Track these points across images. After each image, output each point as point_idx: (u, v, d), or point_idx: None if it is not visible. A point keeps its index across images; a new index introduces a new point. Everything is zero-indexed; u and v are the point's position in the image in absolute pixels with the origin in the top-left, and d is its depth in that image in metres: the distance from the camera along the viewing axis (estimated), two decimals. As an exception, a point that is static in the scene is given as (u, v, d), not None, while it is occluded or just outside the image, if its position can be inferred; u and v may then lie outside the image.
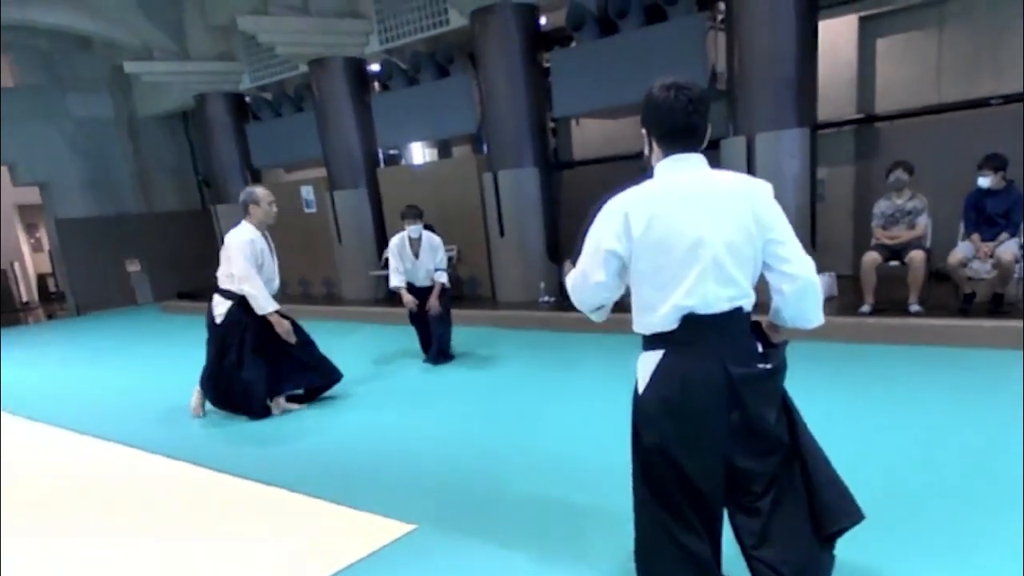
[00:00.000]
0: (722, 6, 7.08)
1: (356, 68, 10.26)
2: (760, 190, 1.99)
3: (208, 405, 5.48)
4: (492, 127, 8.67)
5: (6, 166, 13.14)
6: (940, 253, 6.02)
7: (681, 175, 1.94)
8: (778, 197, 6.40)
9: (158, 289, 14.55)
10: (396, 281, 6.45)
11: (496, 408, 5.07)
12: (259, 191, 5.15)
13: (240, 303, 5.06)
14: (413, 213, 6.36)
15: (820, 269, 7.07)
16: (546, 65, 8.71)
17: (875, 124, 7.87)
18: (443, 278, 6.51)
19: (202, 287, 14.22)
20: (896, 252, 5.99)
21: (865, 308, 6.05)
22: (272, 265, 5.21)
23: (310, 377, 5.49)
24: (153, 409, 5.91)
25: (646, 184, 1.98)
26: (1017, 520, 2.74)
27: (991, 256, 5.56)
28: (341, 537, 3.20)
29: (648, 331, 1.99)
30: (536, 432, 4.42)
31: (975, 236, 5.73)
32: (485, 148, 9.13)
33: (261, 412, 5.22)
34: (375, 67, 10.61)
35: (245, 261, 4.91)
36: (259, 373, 5.14)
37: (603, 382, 5.27)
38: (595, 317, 2.22)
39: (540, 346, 6.93)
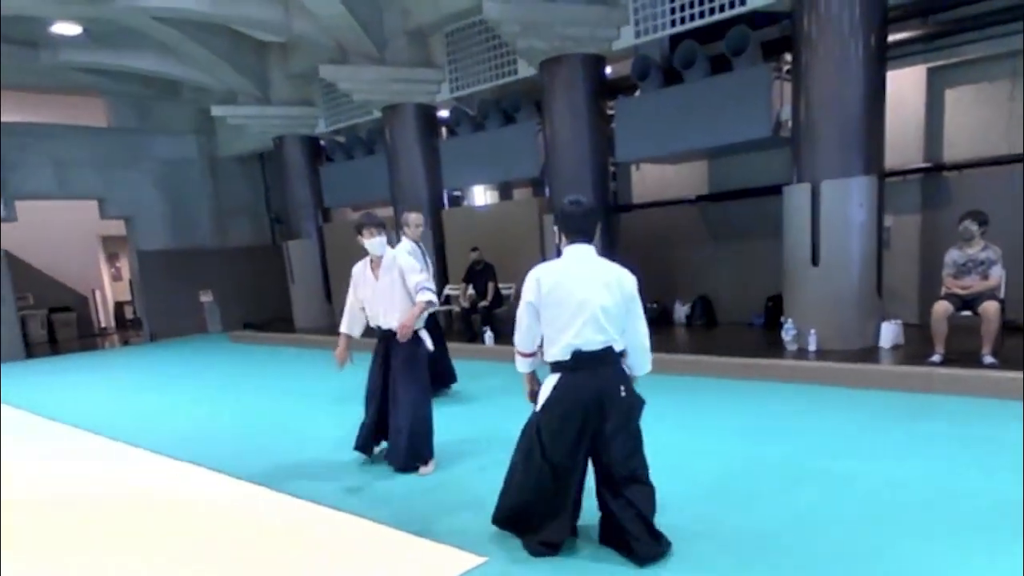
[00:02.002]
0: (788, 56, 7.23)
1: (426, 114, 10.76)
2: (627, 277, 3.07)
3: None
4: (555, 171, 8.93)
5: (96, 200, 14.10)
6: (1014, 305, 5.90)
7: (578, 258, 3.05)
8: (843, 244, 6.48)
9: (227, 319, 15.20)
10: (343, 324, 4.96)
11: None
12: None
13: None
14: (372, 222, 4.60)
15: (885, 317, 7.02)
16: (610, 112, 8.98)
17: (943, 173, 7.81)
18: (428, 296, 4.54)
19: (267, 319, 14.82)
20: (968, 302, 5.89)
21: (935, 358, 5.94)
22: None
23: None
24: (226, 433, 6.19)
25: (556, 261, 3.11)
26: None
27: (1070, 308, 5.44)
28: (411, 566, 3.28)
29: (551, 360, 3.07)
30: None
31: (1052, 288, 5.61)
32: (547, 191, 9.39)
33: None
34: (444, 113, 11.11)
35: None
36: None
37: (653, 421, 5.31)
38: (524, 366, 3.29)
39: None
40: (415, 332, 4.63)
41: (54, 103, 14.40)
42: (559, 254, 3.13)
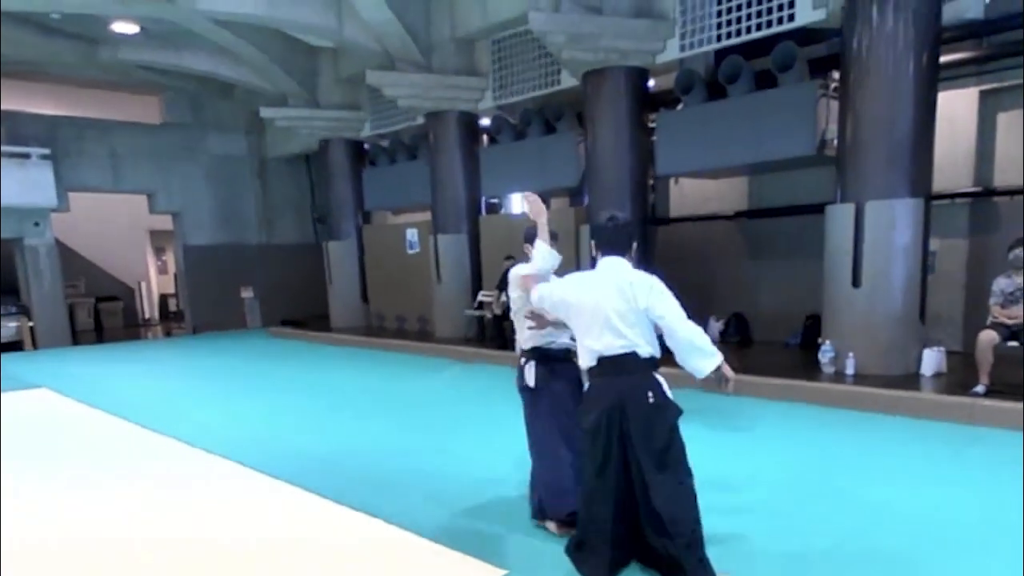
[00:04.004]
0: (836, 74, 7.13)
1: (469, 121, 10.89)
2: (642, 281, 2.99)
3: None
4: (594, 182, 8.94)
5: (147, 194, 14.56)
6: (1065, 336, 5.71)
7: (603, 267, 3.12)
8: (887, 266, 6.31)
9: (266, 315, 15.52)
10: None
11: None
12: None
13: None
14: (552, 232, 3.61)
15: (928, 343, 6.83)
16: (651, 125, 8.96)
17: (993, 198, 7.61)
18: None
19: (306, 316, 15.09)
20: (1015, 333, 5.73)
21: (979, 388, 5.77)
22: None
23: None
24: (257, 429, 6.33)
25: (587, 272, 3.21)
26: None
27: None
28: (431, 574, 3.30)
29: (584, 367, 3.15)
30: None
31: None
32: (585, 201, 9.40)
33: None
34: (486, 121, 11.22)
35: None
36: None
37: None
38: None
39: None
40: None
41: (111, 99, 14.94)
42: (593, 266, 3.22)
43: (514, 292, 3.74)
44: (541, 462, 3.70)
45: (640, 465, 2.96)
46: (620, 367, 2.98)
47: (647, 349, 2.98)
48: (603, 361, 3.01)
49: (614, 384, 2.99)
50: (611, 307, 2.95)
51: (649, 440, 2.95)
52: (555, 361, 3.68)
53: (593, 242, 3.26)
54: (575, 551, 3.20)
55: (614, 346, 2.97)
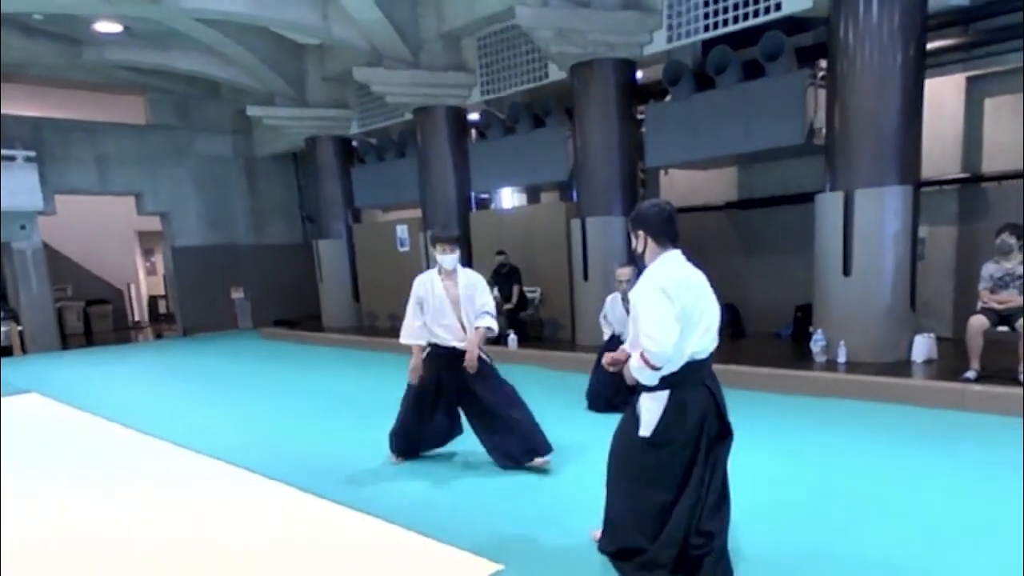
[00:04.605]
0: (823, 63, 7.14)
1: (457, 117, 10.85)
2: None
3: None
4: (583, 176, 8.93)
5: (133, 196, 14.44)
6: (1054, 320, 5.74)
7: (680, 265, 2.86)
8: (877, 254, 6.35)
9: (257, 316, 15.44)
10: (409, 337, 4.66)
11: (578, 451, 5.10)
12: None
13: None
14: (446, 237, 4.59)
15: (918, 330, 6.87)
16: (640, 116, 8.95)
17: (981, 184, 7.64)
18: (488, 321, 4.63)
19: (298, 316, 15.02)
20: (1005, 318, 5.76)
21: (970, 374, 5.80)
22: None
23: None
24: (252, 430, 6.30)
25: (669, 271, 2.82)
26: None
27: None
28: (427, 571, 3.28)
29: (663, 372, 2.76)
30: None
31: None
32: (575, 195, 9.39)
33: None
34: (475, 116, 11.18)
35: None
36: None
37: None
38: (652, 379, 2.80)
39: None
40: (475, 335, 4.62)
41: (96, 100, 14.79)
42: (640, 262, 2.96)
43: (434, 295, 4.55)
44: (403, 408, 4.83)
45: (715, 466, 2.85)
46: (705, 367, 2.87)
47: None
48: (692, 365, 2.79)
49: (702, 387, 2.83)
50: (716, 313, 2.88)
51: (725, 439, 2.89)
52: (441, 357, 4.61)
53: (642, 232, 2.88)
54: (631, 566, 2.96)
55: (709, 348, 2.86)
